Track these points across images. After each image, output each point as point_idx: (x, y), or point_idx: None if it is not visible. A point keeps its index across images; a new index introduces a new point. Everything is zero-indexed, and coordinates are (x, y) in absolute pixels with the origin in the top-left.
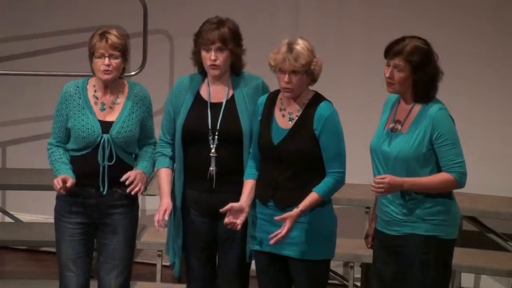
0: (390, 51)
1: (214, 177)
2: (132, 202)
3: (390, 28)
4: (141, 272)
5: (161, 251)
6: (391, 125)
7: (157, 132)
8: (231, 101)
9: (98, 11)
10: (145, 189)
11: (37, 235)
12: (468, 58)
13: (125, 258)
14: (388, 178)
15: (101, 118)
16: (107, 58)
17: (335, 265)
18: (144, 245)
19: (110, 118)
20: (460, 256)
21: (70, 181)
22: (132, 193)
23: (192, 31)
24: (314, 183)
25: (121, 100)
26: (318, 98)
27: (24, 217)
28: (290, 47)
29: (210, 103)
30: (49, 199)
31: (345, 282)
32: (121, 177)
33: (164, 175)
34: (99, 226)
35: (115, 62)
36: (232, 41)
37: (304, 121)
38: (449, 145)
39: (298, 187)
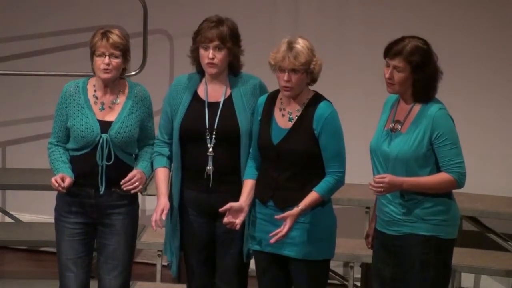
0: (390, 51)
1: (211, 176)
2: (132, 202)
3: (390, 28)
4: (141, 272)
5: (161, 251)
6: (391, 125)
7: (157, 132)
8: (228, 100)
9: (98, 11)
10: (145, 189)
11: (37, 235)
12: (468, 58)
13: (125, 258)
14: (388, 177)
15: (100, 118)
16: (107, 57)
17: (335, 265)
18: (144, 245)
19: (109, 118)
20: (460, 256)
21: (68, 180)
22: (132, 191)
23: (192, 31)
24: (314, 183)
25: (121, 100)
26: (318, 98)
27: (24, 217)
28: (290, 46)
29: (208, 102)
30: (49, 199)
31: (345, 282)
32: (120, 177)
33: (162, 174)
34: (99, 226)
35: (115, 61)
36: (231, 40)
37: (304, 121)
38: (448, 145)
39: (298, 187)
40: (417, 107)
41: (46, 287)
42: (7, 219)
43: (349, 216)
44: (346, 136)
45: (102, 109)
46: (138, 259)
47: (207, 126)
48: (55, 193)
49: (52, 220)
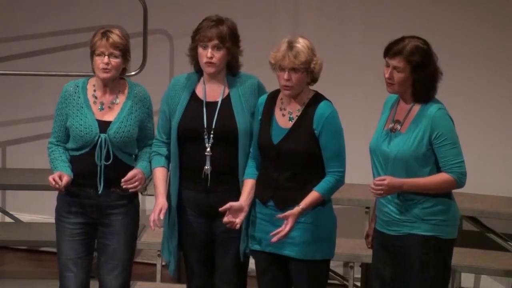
0: (390, 51)
1: (209, 176)
2: (132, 202)
3: (390, 28)
4: (141, 272)
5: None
6: (391, 125)
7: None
8: (226, 100)
9: (98, 11)
10: (145, 189)
11: (37, 235)
12: (468, 58)
13: (125, 259)
14: (388, 179)
15: (99, 118)
16: (106, 57)
17: (335, 265)
18: (144, 245)
19: (108, 117)
20: (460, 256)
21: (66, 178)
22: (130, 190)
23: (192, 31)
24: (314, 182)
25: (121, 100)
26: (318, 98)
27: (24, 217)
28: (291, 45)
29: (206, 102)
30: (49, 199)
31: (345, 282)
32: (119, 177)
33: (160, 174)
34: (99, 226)
35: (114, 61)
36: (230, 40)
37: (304, 121)
38: (448, 145)
39: (298, 187)
40: (417, 107)
41: (46, 287)
42: (7, 219)
43: (349, 216)
44: (346, 136)
45: (102, 109)
46: (138, 259)
47: (205, 126)
48: (55, 193)
49: (52, 220)
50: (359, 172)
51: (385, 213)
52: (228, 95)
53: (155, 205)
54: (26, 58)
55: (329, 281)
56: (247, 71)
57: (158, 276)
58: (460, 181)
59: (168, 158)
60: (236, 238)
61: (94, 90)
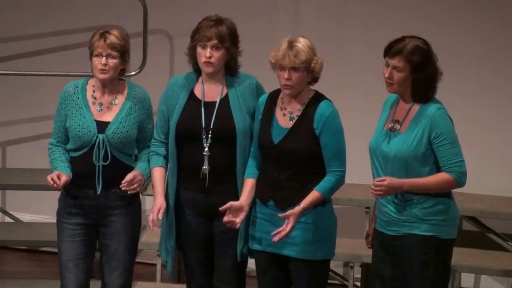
0: (390, 50)
1: (207, 176)
2: (132, 203)
3: (390, 28)
4: (141, 272)
5: None
6: (390, 125)
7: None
8: (225, 100)
9: (98, 11)
10: (145, 189)
11: (37, 235)
12: (468, 58)
13: (126, 259)
14: (387, 180)
15: (98, 118)
16: (104, 58)
17: (335, 265)
18: (144, 245)
19: (107, 118)
20: (460, 256)
21: (64, 177)
22: (129, 192)
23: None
24: (314, 182)
25: (120, 100)
26: (318, 97)
27: (24, 217)
28: (291, 45)
29: (204, 102)
30: (49, 199)
31: (345, 282)
32: (119, 178)
33: (158, 174)
34: (100, 227)
35: (112, 62)
36: (229, 40)
37: (305, 120)
38: (447, 144)
39: (298, 187)
40: (416, 107)
41: (46, 287)
42: (7, 219)
43: (349, 216)
44: (346, 136)
45: (100, 109)
46: (138, 259)
47: (203, 126)
48: (55, 193)
49: (52, 220)
50: (359, 172)
51: (385, 213)
52: (227, 95)
53: (153, 205)
54: (26, 58)
55: (329, 281)
56: (247, 71)
57: (158, 276)
58: (460, 181)
59: (166, 158)
60: (235, 238)
61: (94, 91)
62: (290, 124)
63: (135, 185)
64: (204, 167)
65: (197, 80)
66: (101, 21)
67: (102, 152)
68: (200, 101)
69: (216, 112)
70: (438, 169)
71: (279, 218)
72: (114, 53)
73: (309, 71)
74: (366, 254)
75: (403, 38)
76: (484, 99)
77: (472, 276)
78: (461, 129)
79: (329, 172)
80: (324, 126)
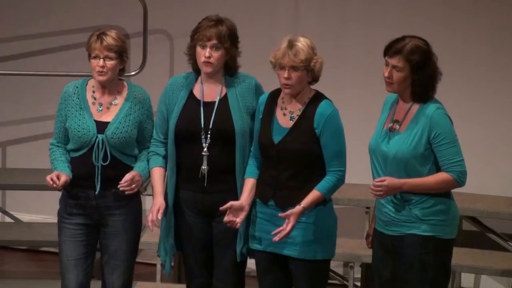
0: (390, 50)
1: (206, 176)
2: (132, 203)
3: (390, 28)
4: (141, 272)
5: None
6: (390, 125)
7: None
8: (224, 100)
9: (98, 11)
10: (145, 189)
11: (37, 235)
12: (468, 58)
13: (127, 258)
14: (387, 180)
15: (97, 119)
16: (101, 60)
17: (335, 265)
18: (144, 245)
19: (106, 118)
20: (460, 256)
21: (63, 177)
22: (126, 193)
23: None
24: (315, 182)
25: (119, 101)
26: (319, 97)
27: (24, 217)
28: (291, 44)
29: (203, 102)
30: (49, 199)
31: (345, 282)
32: (119, 178)
33: (158, 174)
34: (101, 227)
35: (109, 63)
36: (229, 40)
37: (305, 120)
38: (447, 144)
39: (299, 186)
40: (416, 107)
41: (46, 287)
42: (7, 219)
43: (349, 216)
44: (346, 136)
45: (100, 110)
46: (138, 259)
47: (202, 126)
48: (55, 193)
49: (52, 220)
50: (359, 172)
51: (384, 213)
52: (226, 95)
53: (152, 205)
54: (26, 58)
55: (329, 281)
56: (247, 71)
57: (158, 276)
58: (460, 180)
59: (166, 158)
60: (234, 238)
61: (93, 91)
62: (290, 123)
63: (133, 185)
64: (203, 167)
65: (196, 80)
66: (101, 21)
67: (101, 153)
68: (199, 101)
69: (215, 112)
70: (438, 169)
71: (280, 217)
72: (112, 55)
73: (309, 71)
74: (366, 254)
75: (403, 38)
76: (484, 99)
77: (472, 276)
78: (461, 129)
79: (329, 171)
80: (325, 126)
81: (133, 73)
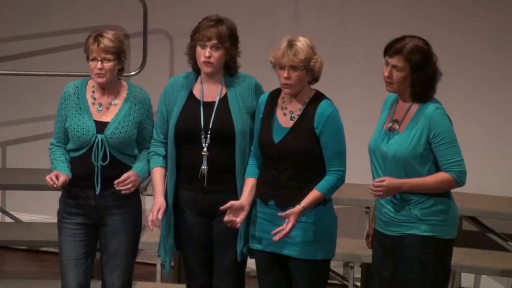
0: (390, 50)
1: (206, 176)
2: (132, 203)
3: (390, 28)
4: (141, 272)
5: None
6: (389, 125)
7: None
8: (224, 100)
9: (98, 11)
10: (145, 189)
11: (37, 235)
12: (468, 58)
13: (127, 258)
14: (387, 180)
15: (97, 119)
16: (99, 62)
17: (335, 265)
18: (144, 245)
19: (106, 118)
20: (460, 256)
21: (62, 177)
22: (122, 192)
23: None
24: (315, 182)
25: (119, 101)
26: (319, 97)
27: (24, 217)
28: (291, 43)
29: (203, 102)
30: (49, 199)
31: (345, 282)
32: (118, 178)
33: (158, 174)
34: (100, 227)
35: (107, 65)
36: (229, 40)
37: (305, 120)
38: (446, 144)
39: (299, 186)
40: (415, 107)
41: (46, 287)
42: (7, 219)
43: (349, 216)
44: (346, 136)
45: (100, 110)
46: (138, 259)
47: (202, 126)
48: (55, 193)
49: (52, 220)
50: (359, 172)
51: (384, 213)
52: (226, 95)
53: (153, 205)
54: (26, 58)
55: (329, 281)
56: (247, 71)
57: (158, 276)
58: (459, 180)
59: (166, 158)
60: (234, 238)
61: (93, 91)
62: (290, 123)
63: (129, 185)
64: (203, 167)
65: (196, 80)
66: (101, 21)
67: (101, 153)
68: (199, 101)
69: (215, 112)
70: (438, 169)
71: (280, 217)
72: (109, 56)
73: (309, 70)
74: (366, 254)
75: (403, 38)
76: (484, 99)
77: (472, 276)
78: (461, 129)
79: (330, 171)
80: (325, 126)
81: (133, 73)
